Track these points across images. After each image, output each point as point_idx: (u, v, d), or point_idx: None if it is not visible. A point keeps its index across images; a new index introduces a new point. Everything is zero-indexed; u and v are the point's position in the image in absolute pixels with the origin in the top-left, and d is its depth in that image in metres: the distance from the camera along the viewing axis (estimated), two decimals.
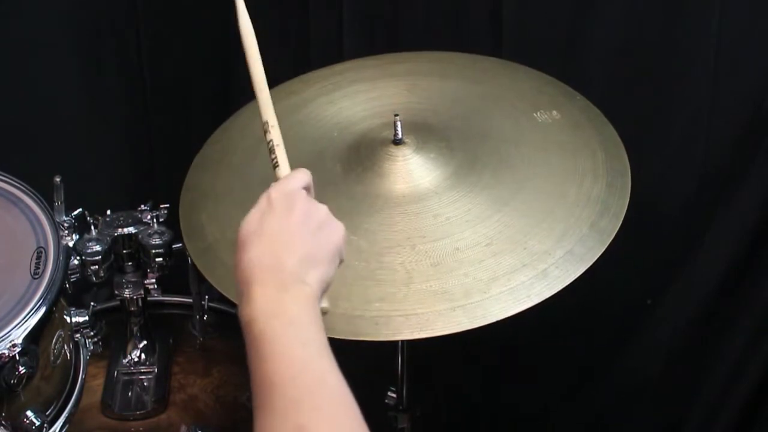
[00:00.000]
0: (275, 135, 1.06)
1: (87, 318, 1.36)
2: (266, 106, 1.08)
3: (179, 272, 1.53)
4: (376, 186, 1.31)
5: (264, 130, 1.07)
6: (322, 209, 0.98)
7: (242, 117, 1.51)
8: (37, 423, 1.25)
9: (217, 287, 1.25)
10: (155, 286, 1.52)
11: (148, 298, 1.57)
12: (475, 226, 1.23)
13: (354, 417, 0.84)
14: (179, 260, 1.49)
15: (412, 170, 1.31)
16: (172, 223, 1.46)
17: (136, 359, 1.58)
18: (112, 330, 1.62)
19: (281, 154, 1.05)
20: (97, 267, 1.43)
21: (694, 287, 1.87)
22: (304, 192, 0.99)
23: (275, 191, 0.97)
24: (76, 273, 1.39)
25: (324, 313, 0.93)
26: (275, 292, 0.89)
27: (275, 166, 1.05)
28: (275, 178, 1.04)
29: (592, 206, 1.26)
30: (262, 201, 0.97)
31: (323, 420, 0.82)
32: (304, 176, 1.01)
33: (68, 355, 1.34)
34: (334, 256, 0.96)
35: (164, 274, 1.51)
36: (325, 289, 0.95)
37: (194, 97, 2.00)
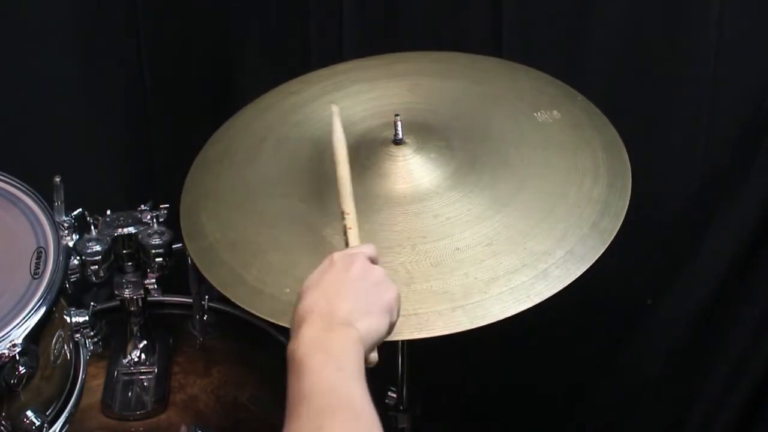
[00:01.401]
0: (350, 220, 1.16)
1: (87, 318, 1.36)
2: (347, 196, 1.18)
3: (179, 272, 1.53)
4: (377, 186, 1.31)
5: (342, 216, 1.17)
6: (379, 270, 1.04)
7: (243, 117, 1.51)
8: (37, 423, 1.25)
9: (217, 287, 1.25)
10: (155, 286, 1.52)
11: (148, 298, 1.57)
12: (475, 226, 1.23)
13: None
14: (179, 260, 1.49)
15: (412, 170, 1.31)
16: (172, 223, 1.46)
17: (136, 359, 1.58)
18: (112, 330, 1.62)
19: (352, 236, 1.14)
20: (97, 267, 1.43)
21: (694, 287, 1.87)
22: (365, 255, 1.05)
23: (339, 253, 1.04)
24: (76, 273, 1.39)
25: (369, 364, 0.98)
26: (321, 329, 0.95)
27: (346, 236, 1.14)
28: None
29: (593, 206, 1.26)
30: (326, 261, 1.03)
31: (343, 428, 0.86)
32: (369, 248, 1.08)
33: (68, 355, 1.34)
34: (385, 312, 1.01)
35: (164, 274, 1.51)
36: (375, 344, 0.99)
37: (194, 97, 2.00)
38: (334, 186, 1.29)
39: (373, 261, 1.07)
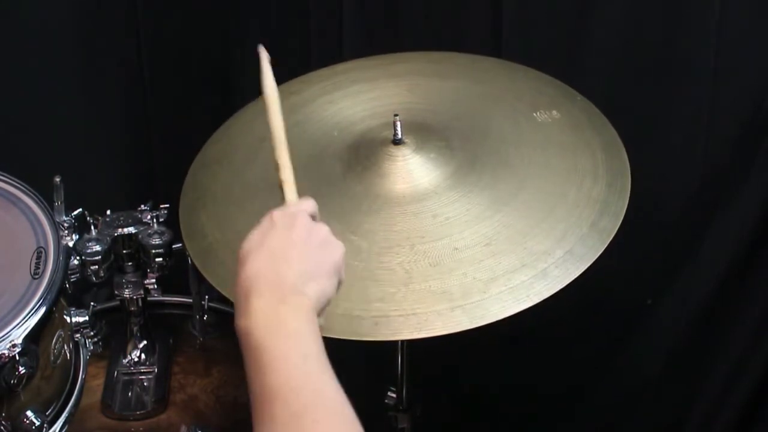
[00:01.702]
0: (283, 171, 1.08)
1: (87, 318, 1.36)
2: (279, 146, 1.11)
3: (179, 272, 1.53)
4: (376, 186, 1.31)
5: (276, 168, 1.09)
6: (323, 228, 1.00)
7: (242, 117, 1.51)
8: (37, 423, 1.25)
9: (217, 287, 1.25)
10: (155, 286, 1.52)
11: (148, 298, 1.57)
12: (474, 226, 1.23)
13: (352, 429, 0.85)
14: (179, 260, 1.49)
15: (411, 170, 1.31)
16: (172, 223, 1.46)
17: (136, 359, 1.58)
18: (112, 330, 1.61)
19: (289, 190, 1.07)
20: (97, 267, 1.43)
21: (694, 287, 1.87)
22: (306, 213, 1.00)
23: (278, 212, 0.99)
24: (76, 273, 1.39)
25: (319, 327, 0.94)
26: (273, 304, 0.90)
27: (281, 189, 1.07)
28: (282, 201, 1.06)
29: (592, 206, 1.26)
30: (265, 220, 0.98)
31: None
32: (308, 203, 1.03)
33: (68, 355, 1.34)
34: (333, 273, 0.97)
35: (164, 274, 1.51)
36: (324, 306, 0.96)
37: (194, 97, 2.00)
38: (334, 186, 1.30)
39: (314, 218, 1.02)
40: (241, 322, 0.90)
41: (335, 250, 0.99)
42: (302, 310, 0.91)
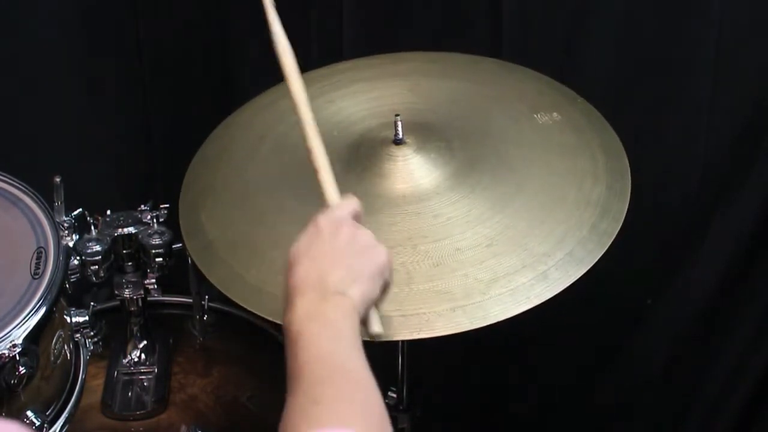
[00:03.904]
0: (317, 160, 1.10)
1: (87, 318, 1.36)
2: (310, 132, 1.12)
3: (179, 272, 1.53)
4: (377, 186, 1.31)
5: (308, 154, 1.11)
6: (367, 234, 1.03)
7: (242, 115, 1.51)
8: (37, 423, 1.25)
9: (217, 287, 1.25)
10: (155, 286, 1.52)
11: (148, 298, 1.57)
12: (475, 226, 1.23)
13: (374, 403, 0.88)
14: (179, 260, 1.49)
15: (412, 170, 1.31)
16: (172, 223, 1.46)
17: (136, 359, 1.58)
18: (112, 330, 1.61)
19: (326, 180, 1.09)
20: (97, 267, 1.43)
21: (694, 287, 1.87)
22: (350, 219, 1.03)
23: (323, 218, 1.02)
24: (76, 273, 1.39)
25: (376, 338, 1.00)
26: (316, 301, 0.95)
27: (322, 189, 1.09)
28: (324, 202, 1.08)
29: (592, 208, 1.26)
30: (311, 227, 1.01)
31: (339, 398, 0.87)
32: (352, 205, 1.06)
33: (68, 355, 1.34)
34: (376, 276, 1.00)
35: (164, 274, 1.51)
36: (369, 307, 1.00)
37: (194, 97, 2.00)
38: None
39: (358, 217, 1.05)
40: (286, 317, 0.94)
41: (379, 254, 1.02)
42: (342, 307, 0.95)
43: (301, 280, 0.96)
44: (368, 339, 1.00)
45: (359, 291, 0.97)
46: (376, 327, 1.01)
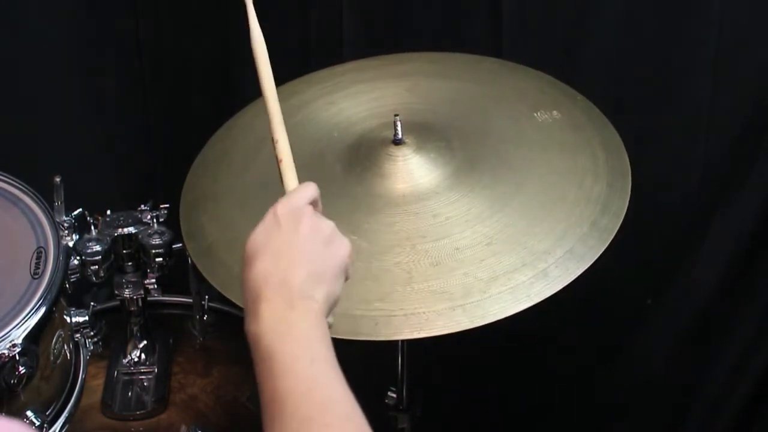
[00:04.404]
0: (280, 150, 1.06)
1: (87, 318, 1.36)
2: (274, 121, 1.08)
3: (179, 272, 1.53)
4: (376, 186, 1.31)
5: (272, 144, 1.07)
6: (329, 225, 0.98)
7: (243, 117, 1.51)
8: (37, 423, 1.25)
9: (217, 287, 1.25)
10: (155, 286, 1.52)
11: (148, 298, 1.57)
12: (475, 225, 1.23)
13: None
14: (179, 260, 1.49)
15: (412, 170, 1.31)
16: (172, 223, 1.46)
17: (136, 359, 1.58)
18: (112, 330, 1.62)
19: (287, 169, 1.05)
20: (97, 267, 1.43)
21: (694, 287, 1.87)
22: (310, 208, 0.98)
23: (282, 207, 0.96)
24: (76, 273, 1.39)
25: (329, 327, 0.94)
26: (282, 309, 0.90)
27: (281, 180, 1.05)
28: (283, 192, 1.03)
29: (593, 206, 1.26)
30: (268, 217, 0.96)
31: None
32: (310, 191, 1.00)
33: (68, 355, 1.34)
34: (340, 273, 0.96)
35: (164, 274, 1.51)
36: (332, 305, 0.95)
37: (194, 97, 2.00)
38: (334, 186, 1.29)
39: (316, 203, 1.00)
40: (251, 328, 0.89)
41: (341, 247, 0.97)
42: (311, 314, 0.90)
43: (263, 280, 0.91)
44: None
45: (324, 292, 0.93)
46: (329, 318, 0.95)
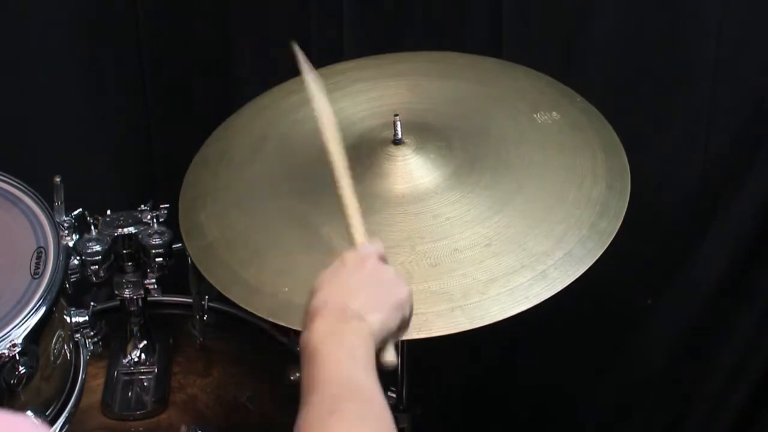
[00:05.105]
0: (348, 205, 1.11)
1: (87, 318, 1.36)
2: (340, 174, 1.13)
3: (179, 272, 1.53)
4: (376, 186, 1.31)
5: (339, 201, 1.11)
6: (390, 269, 1.04)
7: (242, 116, 1.51)
8: (37, 423, 1.25)
9: (217, 287, 1.25)
10: (155, 286, 1.52)
11: (148, 298, 1.57)
12: (474, 226, 1.23)
13: (386, 424, 0.89)
14: (179, 260, 1.49)
15: (411, 170, 1.32)
16: (172, 223, 1.46)
17: (136, 359, 1.58)
18: (112, 330, 1.61)
19: (355, 223, 1.10)
20: (97, 267, 1.43)
21: (694, 287, 1.87)
22: (375, 255, 1.04)
23: (350, 253, 1.03)
24: (76, 273, 1.39)
25: (388, 366, 0.99)
26: (335, 321, 0.96)
27: (350, 233, 1.09)
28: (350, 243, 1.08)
29: (592, 207, 1.26)
30: (336, 262, 1.03)
31: (353, 415, 0.88)
32: (377, 246, 1.06)
33: (68, 355, 1.34)
34: (396, 308, 1.00)
35: (164, 274, 1.51)
36: (387, 337, 0.99)
37: (194, 97, 2.00)
38: (333, 185, 1.29)
39: (383, 259, 1.06)
40: (304, 336, 0.95)
41: (400, 288, 1.02)
42: (361, 332, 0.96)
43: (323, 304, 0.97)
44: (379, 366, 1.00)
45: (378, 318, 0.98)
46: (389, 356, 1.00)
